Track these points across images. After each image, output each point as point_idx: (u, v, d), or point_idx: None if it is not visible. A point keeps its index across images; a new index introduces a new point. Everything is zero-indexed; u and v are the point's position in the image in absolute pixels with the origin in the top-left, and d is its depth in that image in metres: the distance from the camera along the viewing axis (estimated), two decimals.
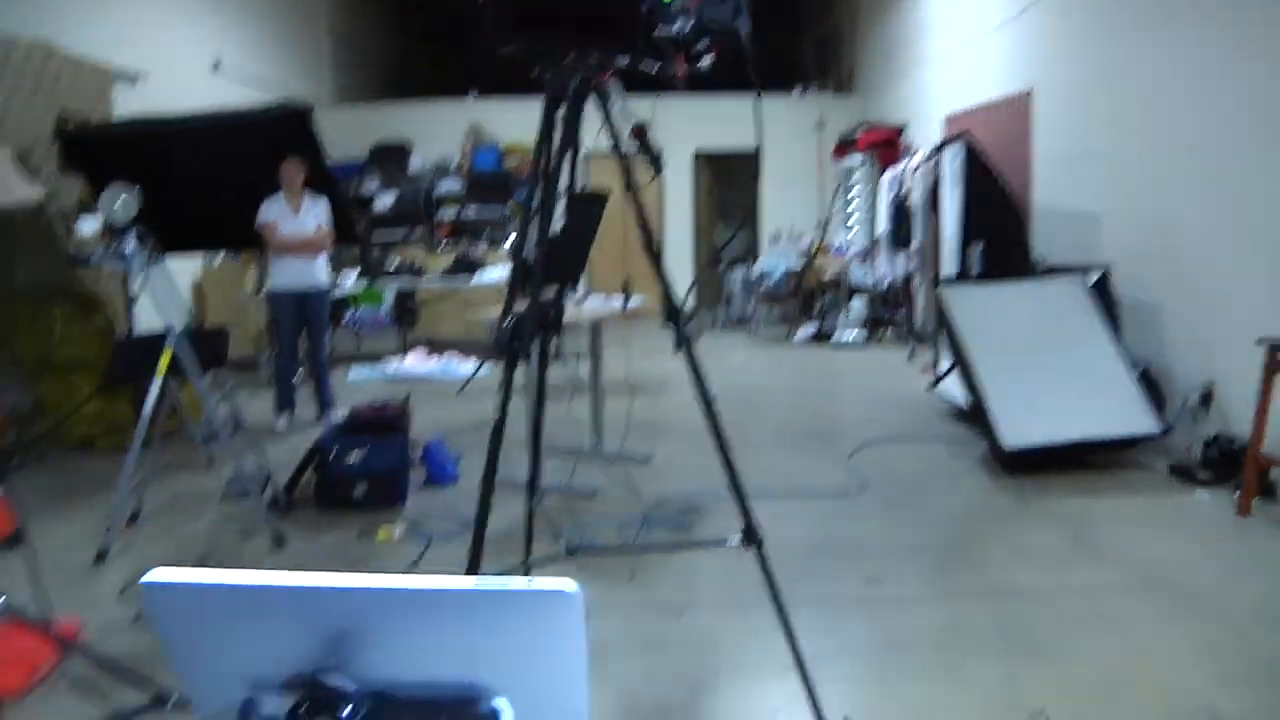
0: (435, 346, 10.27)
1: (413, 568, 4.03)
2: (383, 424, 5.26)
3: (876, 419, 6.66)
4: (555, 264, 2.50)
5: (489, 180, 12.90)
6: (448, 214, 12.91)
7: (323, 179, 6.77)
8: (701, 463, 5.62)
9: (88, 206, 6.19)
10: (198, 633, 0.75)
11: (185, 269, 9.26)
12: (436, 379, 8.79)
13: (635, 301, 5.94)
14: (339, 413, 6.82)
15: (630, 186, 2.34)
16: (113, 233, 5.01)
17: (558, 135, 2.29)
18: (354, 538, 4.43)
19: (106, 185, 6.43)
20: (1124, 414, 5.23)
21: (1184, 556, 3.90)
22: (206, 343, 4.51)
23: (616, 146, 2.27)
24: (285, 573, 0.76)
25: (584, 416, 5.91)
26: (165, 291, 4.31)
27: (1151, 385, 5.66)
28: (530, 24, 2.02)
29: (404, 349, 10.17)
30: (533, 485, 2.83)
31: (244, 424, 4.95)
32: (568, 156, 2.36)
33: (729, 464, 2.49)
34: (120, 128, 7.00)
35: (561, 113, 2.25)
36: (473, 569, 2.25)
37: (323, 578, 0.74)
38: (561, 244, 2.51)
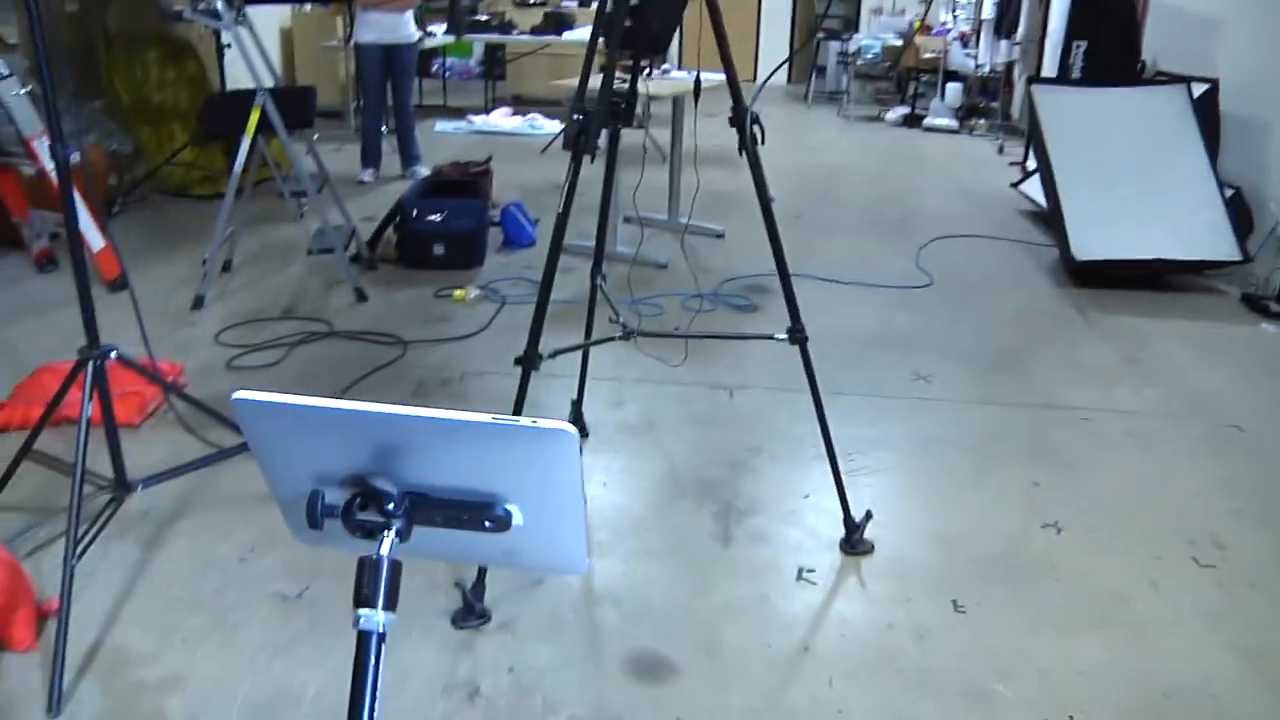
0: (521, 103, 10.26)
1: (485, 328, 4.25)
2: (463, 185, 5.41)
3: (955, 212, 6.62)
4: (640, 33, 2.53)
5: None
6: None
7: None
8: None
9: None
10: (276, 438, 0.92)
11: (274, 14, 9.26)
12: (521, 135, 8.85)
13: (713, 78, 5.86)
14: (423, 167, 6.98)
15: None
16: None
17: None
18: (431, 296, 4.66)
19: None
20: (1204, 236, 5.15)
21: (1233, 388, 3.94)
22: (293, 101, 4.62)
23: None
24: (343, 401, 0.91)
25: (663, 186, 5.94)
26: (253, 50, 4.39)
27: (1241, 209, 5.52)
28: None
29: (490, 104, 10.18)
30: (597, 266, 2.96)
31: (330, 180, 5.11)
32: None
33: (781, 265, 2.58)
34: None
35: None
36: (532, 344, 2.42)
37: (372, 406, 0.89)
38: (648, 11, 2.51)
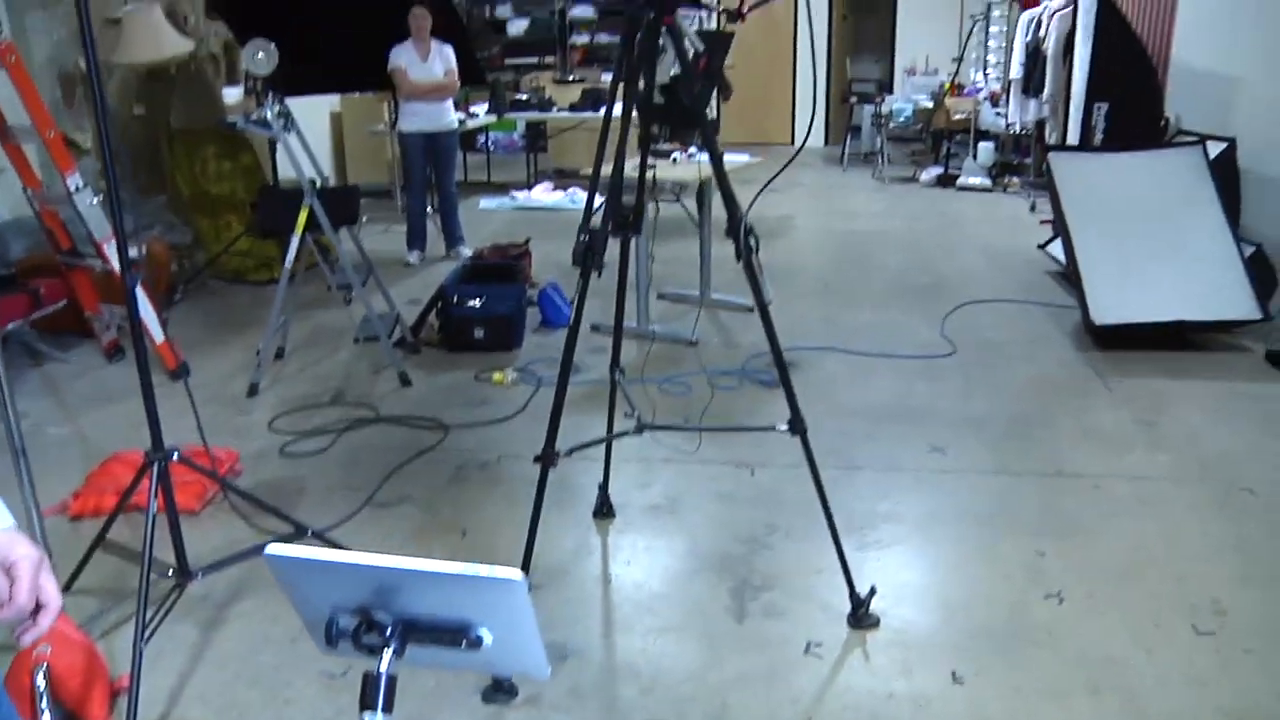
0: (563, 175, 10.60)
1: (521, 410, 4.48)
2: (501, 270, 5.70)
3: (983, 275, 6.78)
4: (673, 110, 2.74)
5: (622, 6, 12.86)
6: (581, 39, 13.00)
7: (450, 25, 7.03)
8: (804, 311, 5.93)
9: (232, 55, 6.62)
10: (300, 580, 1.16)
11: (325, 99, 9.69)
12: (562, 210, 9.17)
13: (735, 159, 6.11)
14: (466, 248, 7.30)
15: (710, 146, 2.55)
16: (255, 89, 5.45)
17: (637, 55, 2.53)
18: (472, 379, 4.91)
19: (247, 28, 6.85)
20: (1224, 296, 5.26)
21: (1248, 451, 4.04)
22: (339, 201, 4.94)
23: (687, 79, 2.50)
24: (350, 552, 1.14)
25: (696, 259, 6.14)
26: (300, 153, 4.72)
27: (1263, 267, 5.63)
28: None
29: (532, 179, 10.54)
30: (615, 361, 3.17)
31: (374, 270, 5.42)
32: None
33: (780, 361, 2.76)
34: None
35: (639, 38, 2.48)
36: (549, 443, 2.63)
37: (370, 559, 1.11)
38: (680, 87, 2.73)
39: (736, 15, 2.54)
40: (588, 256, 2.53)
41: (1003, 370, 4.98)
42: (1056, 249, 6.84)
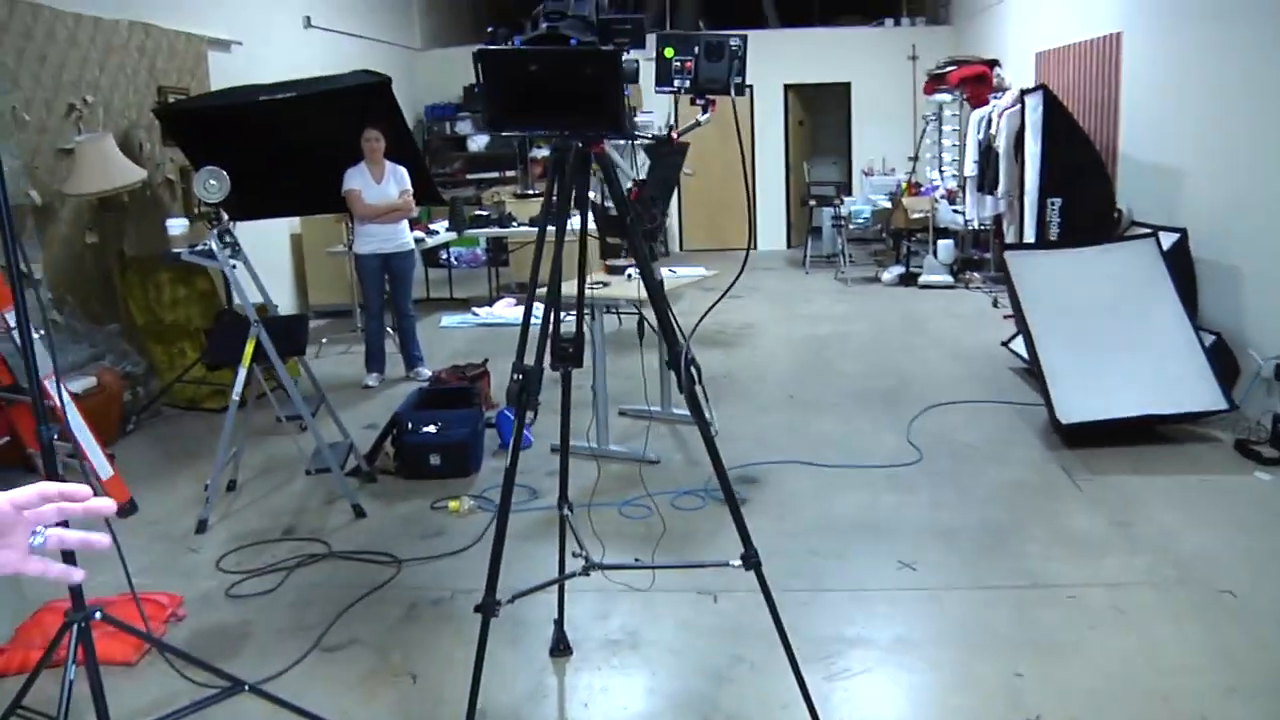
0: (524, 290, 10.57)
1: (477, 541, 4.33)
2: (457, 394, 5.58)
3: (947, 375, 6.73)
4: (631, 216, 2.67)
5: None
6: (541, 153, 13.13)
7: (404, 147, 7.04)
8: (767, 423, 5.84)
9: (188, 181, 6.58)
10: None
11: (285, 221, 9.66)
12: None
13: (690, 273, 6.08)
14: (426, 368, 7.20)
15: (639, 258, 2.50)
16: (207, 216, 5.41)
17: (568, 182, 2.48)
18: (428, 508, 4.76)
19: (201, 154, 6.85)
20: (1189, 387, 5.22)
21: (1225, 548, 3.95)
22: (287, 332, 4.84)
23: (620, 207, 2.44)
24: None
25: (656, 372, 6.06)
26: (246, 285, 4.64)
27: (1225, 355, 5.62)
28: (522, 111, 2.19)
29: (495, 294, 10.51)
30: (562, 497, 3.05)
31: (326, 400, 5.30)
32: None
33: (729, 494, 2.65)
34: (209, 101, 7.34)
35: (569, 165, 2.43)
36: (489, 591, 2.50)
37: None
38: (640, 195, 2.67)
39: (667, 141, 2.51)
40: (522, 397, 2.43)
41: (971, 475, 4.89)
42: (1019, 345, 6.83)
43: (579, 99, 2.15)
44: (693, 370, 2.50)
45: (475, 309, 9.79)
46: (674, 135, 2.53)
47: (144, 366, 6.67)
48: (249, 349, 4.56)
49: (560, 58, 2.10)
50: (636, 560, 3.49)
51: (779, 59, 13.20)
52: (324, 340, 8.78)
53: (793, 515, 4.49)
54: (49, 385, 4.70)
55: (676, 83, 2.32)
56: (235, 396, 4.60)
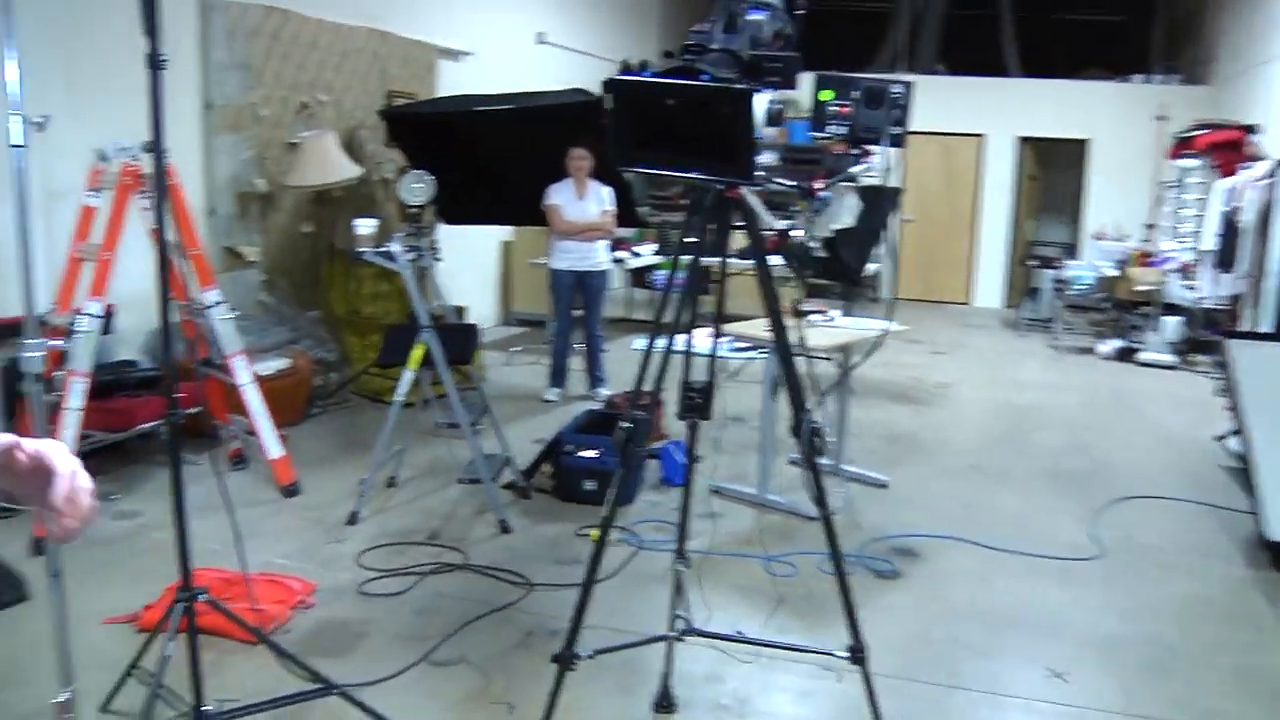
0: (723, 321, 10.45)
1: (612, 575, 4.23)
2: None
3: (1150, 465, 6.18)
4: (836, 259, 2.55)
5: (800, 154, 12.87)
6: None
7: (611, 168, 7.07)
8: (941, 492, 5.51)
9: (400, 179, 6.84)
10: None
11: (501, 229, 9.90)
12: (716, 357, 8.98)
13: (872, 326, 5.77)
14: (607, 389, 7.20)
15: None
16: (408, 214, 5.58)
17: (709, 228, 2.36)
18: (573, 533, 4.72)
19: (419, 158, 7.10)
20: None
21: None
22: (455, 339, 4.91)
23: (758, 253, 2.30)
24: None
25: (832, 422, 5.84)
26: (420, 289, 4.72)
27: None
28: (651, 148, 2.08)
29: (692, 321, 10.44)
30: (679, 552, 2.92)
31: (489, 410, 5.35)
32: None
33: (842, 578, 2.45)
34: (431, 108, 7.62)
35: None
36: (569, 643, 2.40)
37: None
38: (847, 239, 2.55)
39: (809, 193, 2.35)
40: (628, 446, 2.31)
41: (1154, 582, 4.43)
42: (1237, 443, 6.20)
43: (710, 140, 2.03)
44: (816, 440, 2.31)
45: (671, 336, 9.72)
46: (815, 188, 2.35)
47: (337, 354, 6.95)
48: (417, 353, 4.64)
49: (686, 94, 1.98)
50: (739, 633, 3.29)
51: (1015, 109, 12.63)
52: (517, 349, 8.95)
53: (944, 597, 4.18)
54: (233, 362, 4.96)
55: (832, 129, 2.16)
56: (398, 397, 4.70)
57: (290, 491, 5.05)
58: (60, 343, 4.36)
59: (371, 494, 4.86)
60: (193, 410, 5.47)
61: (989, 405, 7.73)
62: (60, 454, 1.20)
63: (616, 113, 2.06)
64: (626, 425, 2.33)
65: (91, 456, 4.96)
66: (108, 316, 4.85)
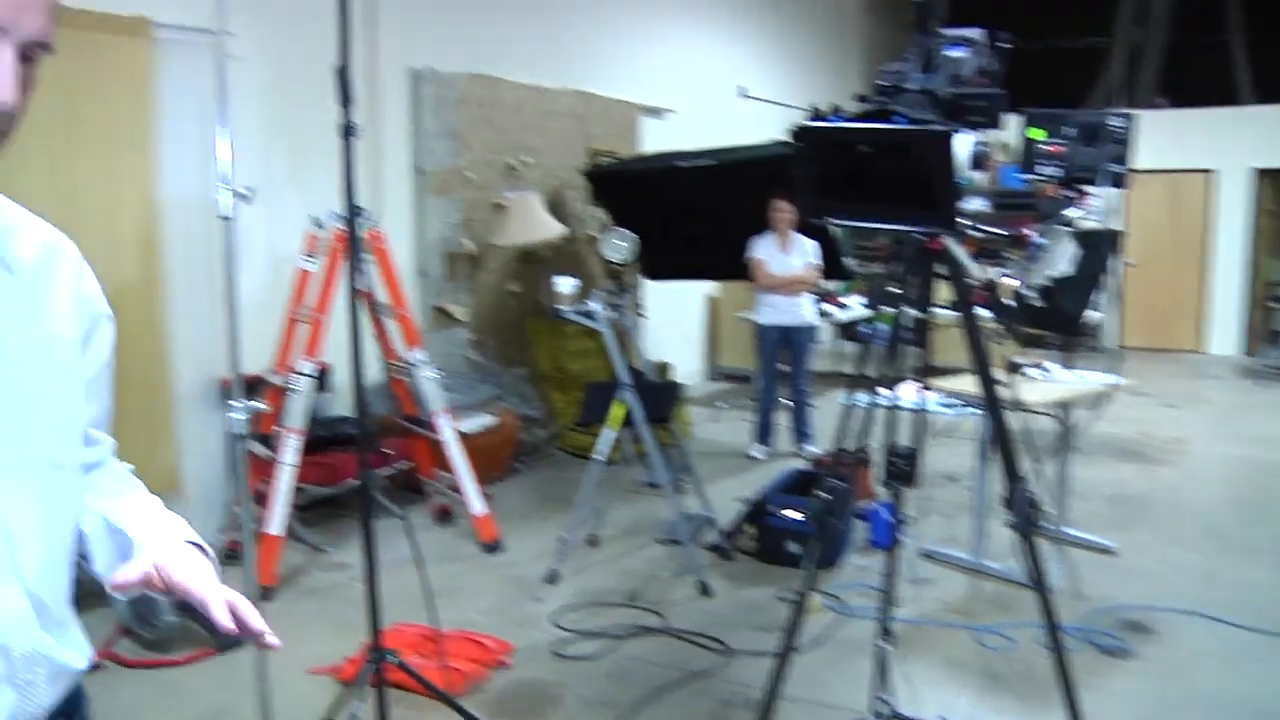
0: (933, 373, 10.06)
1: (818, 645, 4.03)
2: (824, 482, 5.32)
3: None
4: (1053, 309, 2.38)
5: (1010, 198, 12.32)
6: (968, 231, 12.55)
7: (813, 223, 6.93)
8: (1176, 561, 5.03)
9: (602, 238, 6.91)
10: None
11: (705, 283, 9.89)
12: (929, 413, 8.62)
13: (1099, 379, 5.37)
14: (814, 445, 6.99)
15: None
16: (611, 272, 5.62)
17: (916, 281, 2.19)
18: (775, 598, 4.54)
19: (621, 215, 7.16)
20: None
21: None
22: (656, 397, 4.85)
23: (965, 305, 2.12)
24: None
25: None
26: (622, 346, 4.70)
27: None
28: (843, 198, 1.94)
29: (901, 375, 10.10)
30: (884, 630, 2.72)
31: (692, 469, 5.25)
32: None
33: (1062, 667, 2.20)
34: (632, 165, 7.70)
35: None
36: (764, 718, 2.24)
37: None
38: (1064, 287, 2.36)
39: (1020, 241, 2.15)
40: (825, 522, 2.16)
41: None
42: None
43: (908, 187, 1.87)
44: (1032, 511, 2.09)
45: (879, 390, 9.42)
46: (1025, 235, 2.15)
47: (542, 411, 7.04)
48: (617, 412, 4.61)
49: (880, 138, 1.84)
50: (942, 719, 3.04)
51: (1249, 139, 11.68)
52: (722, 404, 8.86)
53: (1183, 682, 3.76)
54: (438, 420, 5.06)
55: (1044, 170, 1.97)
56: (598, 456, 4.67)
57: (492, 548, 5.10)
58: (261, 405, 4.54)
59: (571, 552, 4.83)
60: (399, 466, 5.66)
61: (1228, 463, 7.07)
62: (200, 580, 1.18)
63: (806, 162, 1.93)
64: (824, 496, 2.17)
65: (306, 509, 5.16)
66: (323, 374, 5.06)
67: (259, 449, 4.72)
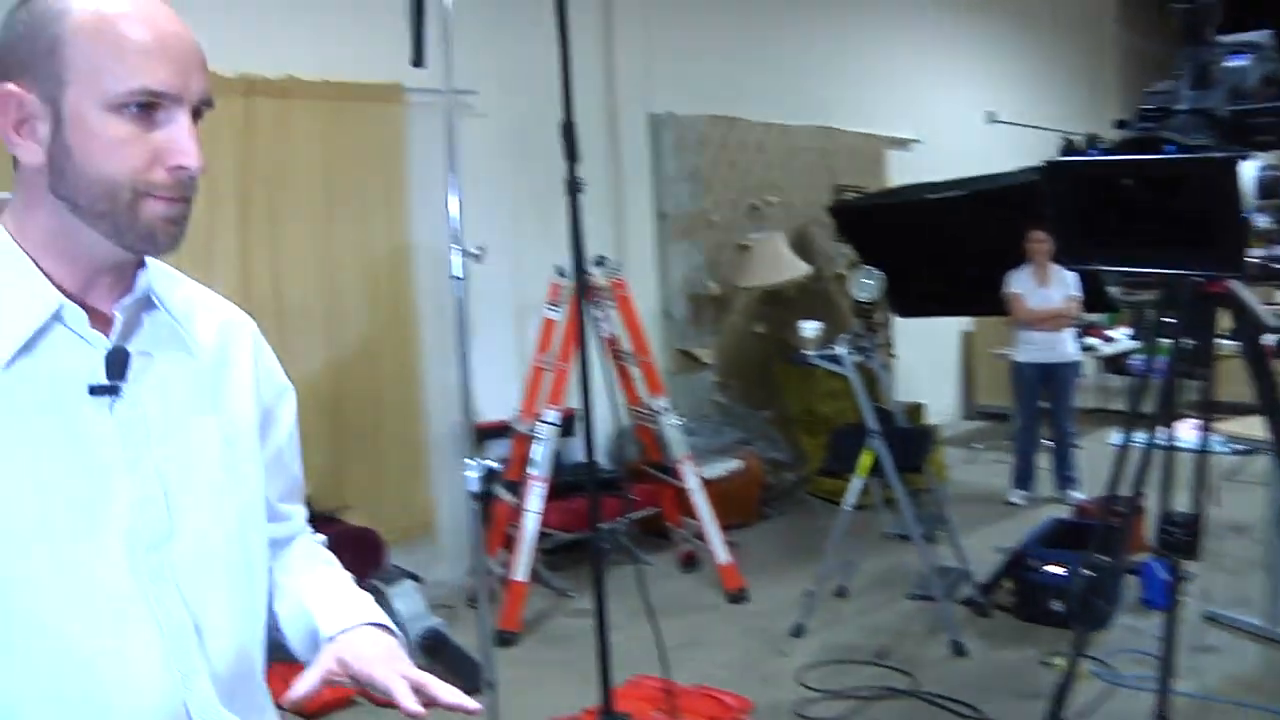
0: (1215, 410, 9.19)
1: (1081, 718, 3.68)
2: (1094, 533, 4.89)
3: None
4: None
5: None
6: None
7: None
8: None
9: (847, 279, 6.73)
10: None
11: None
12: (1209, 454, 7.87)
13: None
14: (1079, 491, 6.50)
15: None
16: (859, 311, 5.45)
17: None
18: (1036, 660, 4.20)
19: (869, 251, 6.96)
20: None
21: None
22: (907, 444, 4.62)
23: (1253, 350, 1.84)
24: None
25: None
26: (871, 389, 4.51)
27: None
28: (1106, 241, 1.71)
29: (1176, 412, 9.28)
30: (1161, 707, 2.42)
31: (948, 521, 4.96)
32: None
33: None
34: (878, 199, 7.47)
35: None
36: None
37: None
38: None
39: None
40: (1086, 610, 1.92)
41: None
42: None
43: (1182, 224, 1.63)
44: None
45: (1154, 428, 8.69)
46: None
47: (790, 455, 6.88)
48: (865, 460, 4.42)
49: (1147, 170, 1.61)
50: None
51: None
52: (979, 445, 8.43)
53: None
54: (682, 468, 5.01)
55: None
56: (846, 506, 4.49)
57: (736, 598, 4.99)
58: (493, 463, 4.60)
59: (818, 605, 4.65)
60: (645, 512, 5.66)
61: None
62: (384, 666, 1.13)
63: (1060, 200, 1.73)
64: (1088, 574, 1.93)
65: (552, 553, 5.23)
66: (568, 421, 5.12)
67: (506, 495, 4.82)
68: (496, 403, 5.28)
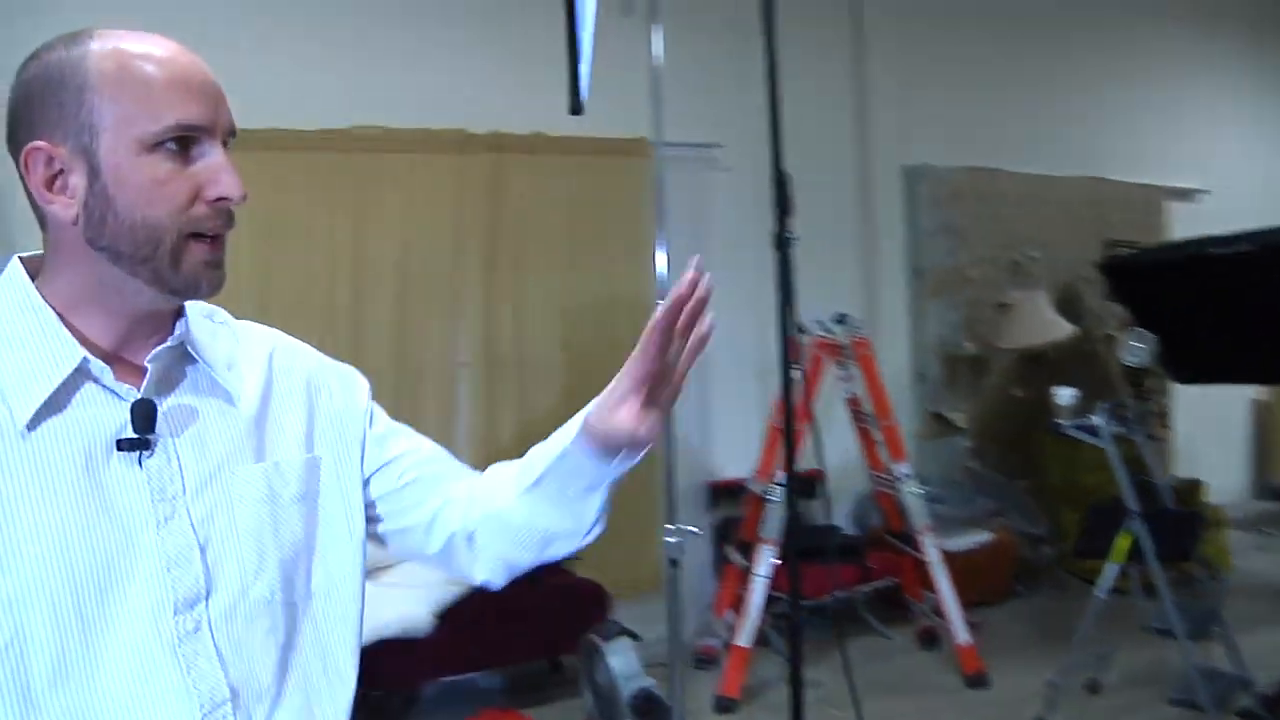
0: None
1: None
2: None
3: None
4: None
5: None
6: None
7: None
8: None
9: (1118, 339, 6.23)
10: None
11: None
12: None
13: None
14: None
15: None
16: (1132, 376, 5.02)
17: None
18: None
19: (1143, 312, 6.42)
20: None
21: None
22: (1173, 529, 4.18)
23: None
24: None
25: None
26: (1131, 467, 4.12)
27: None
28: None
29: None
30: None
31: (1219, 619, 4.43)
32: None
33: None
34: (1154, 255, 6.87)
35: None
36: None
37: None
38: None
39: None
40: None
41: None
42: None
43: None
44: None
45: None
46: None
47: (1047, 529, 6.42)
48: (1121, 544, 4.03)
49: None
50: None
51: None
52: (1271, 530, 7.61)
53: None
54: (922, 539, 4.76)
55: None
56: (1099, 594, 4.11)
57: (975, 681, 4.66)
58: (695, 529, 4.49)
59: (1064, 699, 4.26)
60: (884, 583, 5.41)
61: None
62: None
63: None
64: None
65: (782, 618, 5.06)
66: (809, 483, 4.95)
67: (736, 558, 4.73)
68: (738, 460, 5.20)
